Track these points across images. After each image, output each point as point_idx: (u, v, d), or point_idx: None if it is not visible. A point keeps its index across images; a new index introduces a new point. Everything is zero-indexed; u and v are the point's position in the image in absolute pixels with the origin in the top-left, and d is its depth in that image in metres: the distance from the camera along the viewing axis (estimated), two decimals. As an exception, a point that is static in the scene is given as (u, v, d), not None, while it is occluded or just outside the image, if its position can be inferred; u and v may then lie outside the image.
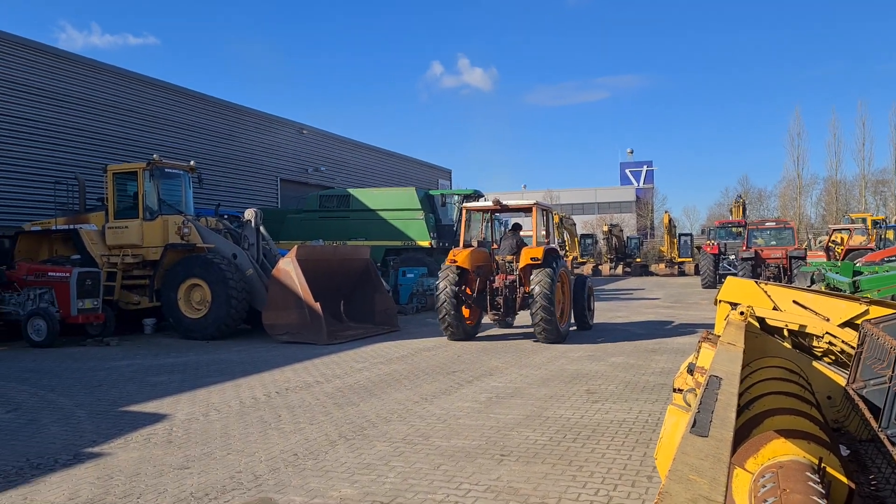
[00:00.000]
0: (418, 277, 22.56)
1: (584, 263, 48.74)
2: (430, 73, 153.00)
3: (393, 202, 24.98)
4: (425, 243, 24.22)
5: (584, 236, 52.18)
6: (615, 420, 7.77)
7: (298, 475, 6.01)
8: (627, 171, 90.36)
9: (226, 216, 19.49)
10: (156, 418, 8.28)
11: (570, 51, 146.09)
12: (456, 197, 25.41)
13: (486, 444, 6.87)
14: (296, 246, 16.01)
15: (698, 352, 4.32)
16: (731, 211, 48.80)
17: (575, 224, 50.16)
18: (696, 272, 40.68)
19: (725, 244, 34.01)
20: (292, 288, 15.05)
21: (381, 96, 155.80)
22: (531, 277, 13.87)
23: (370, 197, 25.74)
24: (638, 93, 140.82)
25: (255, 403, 9.00)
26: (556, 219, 32.57)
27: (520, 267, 14.34)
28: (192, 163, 18.47)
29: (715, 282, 31.82)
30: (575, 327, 16.16)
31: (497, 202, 15.15)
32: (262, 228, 17.45)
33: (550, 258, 14.15)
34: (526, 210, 15.97)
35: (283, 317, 15.19)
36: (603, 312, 20.40)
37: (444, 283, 14.46)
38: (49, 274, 15.64)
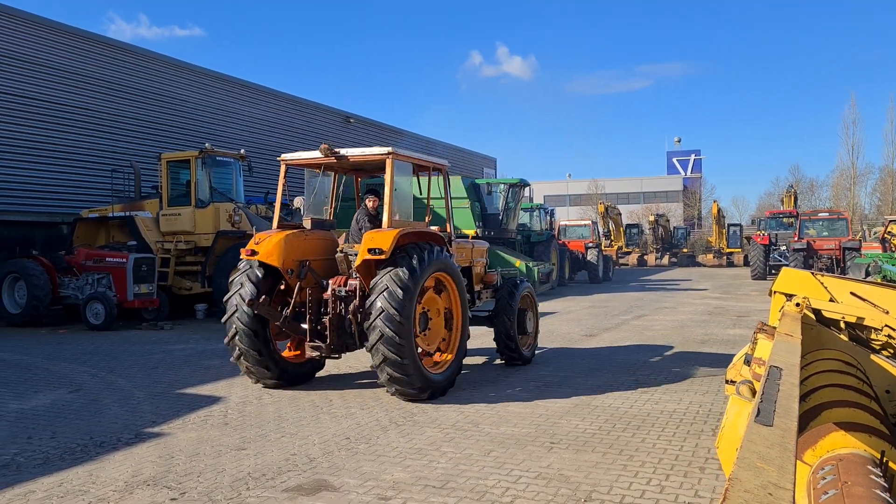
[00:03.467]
0: (463, 266, 22.62)
1: (629, 253, 48.30)
2: (470, 62, 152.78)
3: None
4: (471, 232, 24.22)
5: (629, 226, 51.70)
6: (665, 411, 7.74)
7: (352, 458, 6.14)
8: (674, 160, 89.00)
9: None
10: (211, 400, 8.51)
11: (610, 39, 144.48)
12: (502, 185, 25.38)
13: (536, 431, 6.92)
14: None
15: (755, 343, 4.30)
16: (781, 201, 47.85)
17: (620, 214, 49.71)
18: (746, 263, 39.98)
19: (776, 235, 33.32)
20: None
21: (421, 86, 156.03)
22: (372, 284, 8.09)
23: (415, 185, 25.80)
24: (682, 80, 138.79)
25: (305, 388, 9.17)
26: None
27: (356, 264, 8.37)
28: (242, 151, 18.81)
29: (765, 273, 31.27)
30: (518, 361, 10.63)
31: (329, 150, 8.82)
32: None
33: (415, 250, 8.22)
34: (378, 166, 9.41)
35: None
36: (649, 303, 20.23)
37: (234, 292, 8.70)
38: (107, 259, 16.12)
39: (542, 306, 20.13)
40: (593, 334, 14.21)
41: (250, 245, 8.60)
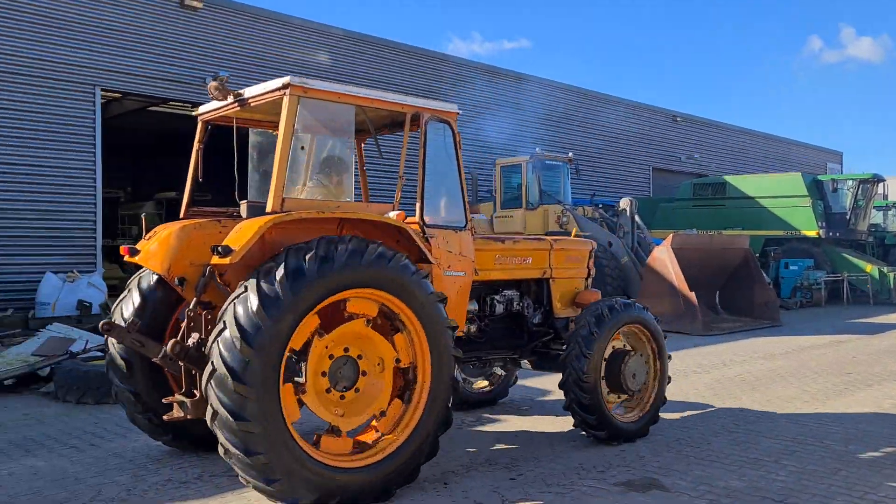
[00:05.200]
0: (803, 270, 20.91)
1: None
2: (807, 48, 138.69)
3: (775, 189, 23.36)
4: (812, 233, 22.24)
5: None
6: None
7: (682, 460, 6.08)
8: None
9: (600, 205, 20.11)
10: (541, 392, 8.94)
11: None
12: (850, 182, 22.89)
13: None
14: (671, 234, 15.90)
15: None
16: None
17: None
18: None
19: None
20: (667, 277, 15.00)
21: (753, 79, 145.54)
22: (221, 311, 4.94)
23: (748, 184, 24.40)
24: None
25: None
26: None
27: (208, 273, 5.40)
28: (570, 154, 19.36)
29: None
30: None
31: (220, 87, 5.79)
32: (637, 217, 17.62)
33: (302, 253, 4.88)
34: (271, 104, 5.69)
35: (656, 305, 15.14)
36: None
37: (115, 305, 6.19)
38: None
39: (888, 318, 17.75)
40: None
41: (140, 245, 5.73)
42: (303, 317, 4.81)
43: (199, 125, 6.40)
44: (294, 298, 4.72)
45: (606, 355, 6.59)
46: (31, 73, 14.48)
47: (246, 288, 4.75)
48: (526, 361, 7.47)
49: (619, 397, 6.75)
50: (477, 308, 6.78)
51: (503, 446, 6.59)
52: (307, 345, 4.99)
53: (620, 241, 17.20)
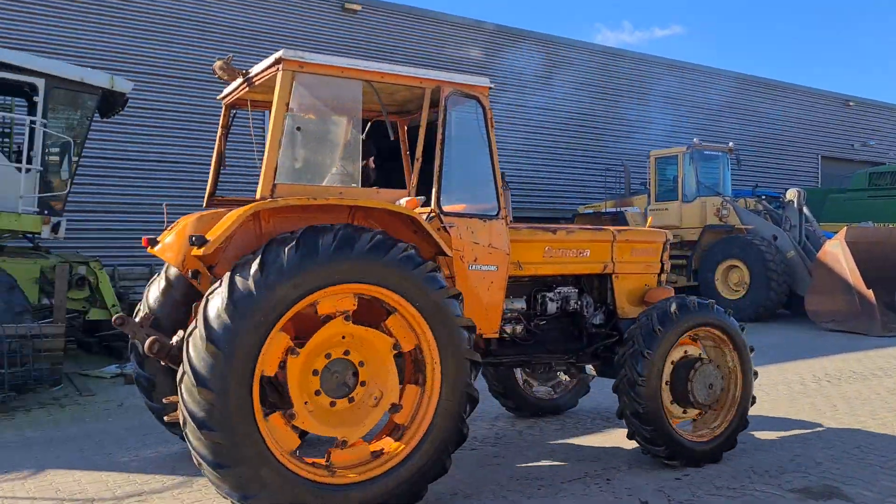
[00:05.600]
0: None
1: None
2: None
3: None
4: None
5: None
6: None
7: (865, 469, 5.66)
8: None
9: (763, 197, 19.11)
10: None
11: None
12: None
13: None
14: (844, 228, 14.84)
15: None
16: None
17: None
18: None
19: None
20: (840, 273, 14.02)
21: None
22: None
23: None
24: None
25: (804, 390, 8.70)
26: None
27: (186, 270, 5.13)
28: (730, 144, 18.50)
29: None
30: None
31: (226, 66, 5.41)
32: (805, 209, 16.59)
33: (283, 246, 4.33)
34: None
35: (828, 303, 14.28)
36: None
37: (141, 309, 5.89)
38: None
39: None
40: None
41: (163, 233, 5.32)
42: (280, 317, 4.26)
43: (223, 109, 6.05)
44: (268, 295, 4.19)
45: (674, 359, 5.76)
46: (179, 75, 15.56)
47: (221, 283, 4.30)
48: (590, 367, 6.60)
49: (685, 411, 5.84)
50: (525, 307, 6.09)
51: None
52: (283, 367, 4.44)
53: (786, 234, 16.26)
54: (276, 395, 4.59)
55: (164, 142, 15.69)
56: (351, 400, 4.63)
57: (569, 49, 23.21)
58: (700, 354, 5.93)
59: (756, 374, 6.15)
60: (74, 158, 10.70)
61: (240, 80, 5.50)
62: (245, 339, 4.15)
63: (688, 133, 23.20)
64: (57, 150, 10.64)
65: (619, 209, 18.81)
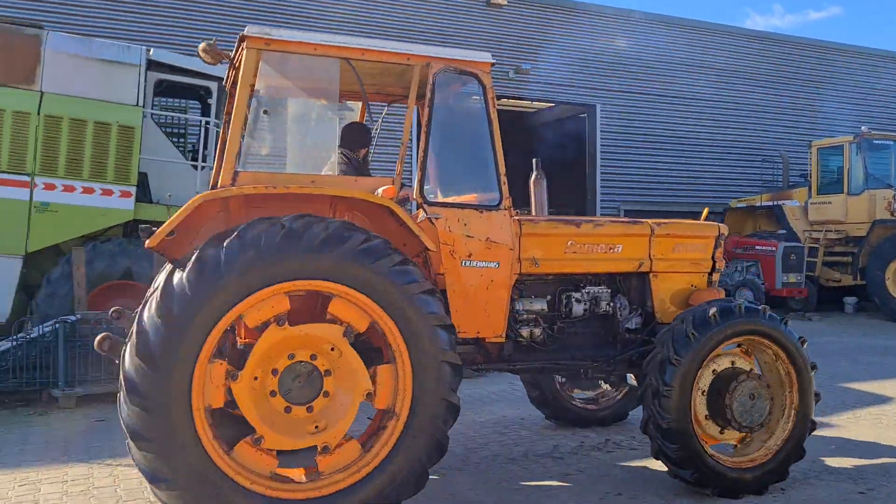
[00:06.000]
0: None
1: None
2: None
3: None
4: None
5: None
6: None
7: None
8: None
9: (941, 190, 17.59)
10: (880, 399, 8.09)
11: None
12: None
13: None
14: None
15: None
16: None
17: None
18: None
19: None
20: None
21: None
22: None
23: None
24: None
25: None
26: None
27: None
28: (903, 133, 17.16)
29: None
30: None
31: (211, 48, 4.97)
32: None
33: (238, 238, 3.98)
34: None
35: None
36: None
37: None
38: (756, 248, 16.61)
39: None
40: None
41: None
42: (216, 322, 3.86)
43: (227, 95, 5.48)
44: (202, 298, 3.81)
45: (717, 370, 5.08)
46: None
47: (156, 288, 3.95)
48: (631, 376, 5.86)
49: (721, 431, 5.07)
50: (545, 308, 5.37)
51: (845, 457, 6.03)
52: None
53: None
54: (236, 424, 4.25)
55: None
56: (326, 394, 4.20)
57: (722, 35, 22.24)
58: (751, 369, 5.18)
59: (818, 395, 5.28)
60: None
61: (225, 62, 5.15)
62: (178, 347, 3.81)
63: (852, 121, 21.67)
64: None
65: (775, 202, 17.88)
